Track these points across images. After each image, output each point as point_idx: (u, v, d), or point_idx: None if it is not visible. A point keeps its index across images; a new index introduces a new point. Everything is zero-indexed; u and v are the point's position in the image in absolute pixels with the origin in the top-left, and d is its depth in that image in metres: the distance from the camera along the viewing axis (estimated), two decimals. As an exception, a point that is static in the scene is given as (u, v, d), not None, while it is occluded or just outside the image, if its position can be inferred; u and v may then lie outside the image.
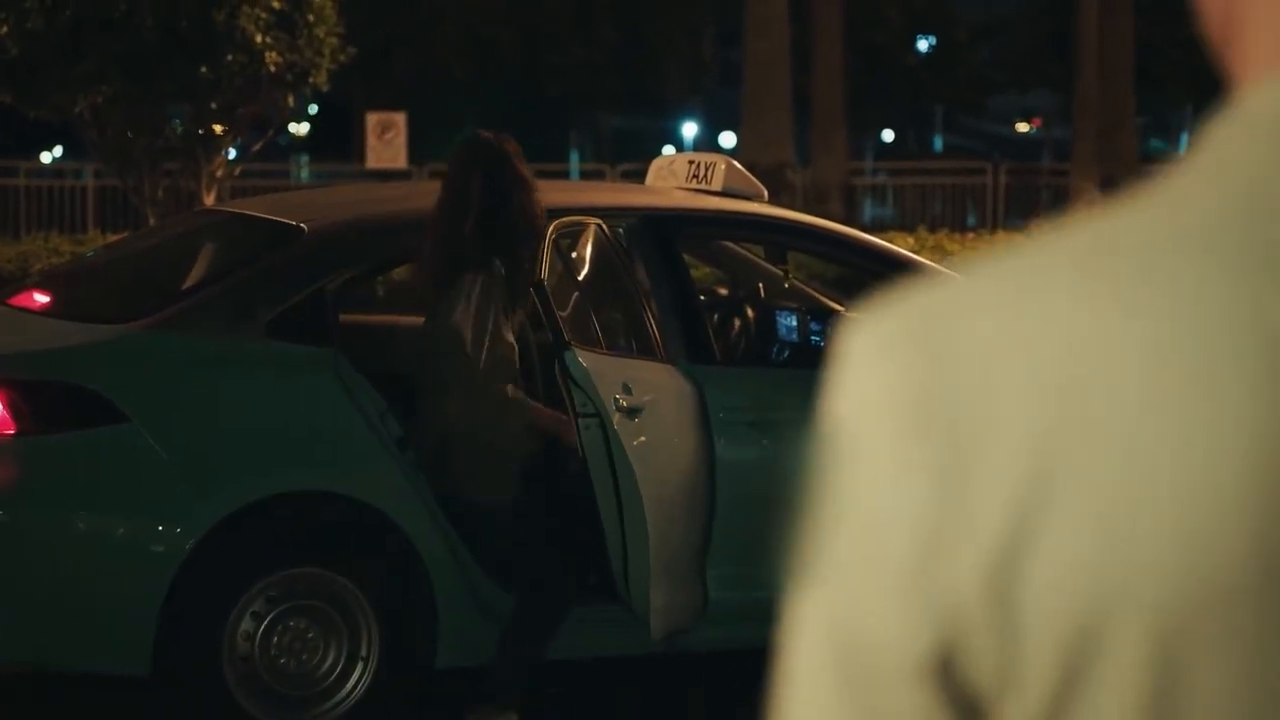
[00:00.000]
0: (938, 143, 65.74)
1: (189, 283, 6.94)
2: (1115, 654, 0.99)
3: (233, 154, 14.25)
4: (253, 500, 6.40)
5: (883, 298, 1.07)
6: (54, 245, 13.16)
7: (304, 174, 38.00)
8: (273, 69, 13.21)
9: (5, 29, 12.84)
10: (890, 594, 1.02)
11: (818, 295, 8.63)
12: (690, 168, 7.96)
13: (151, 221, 13.85)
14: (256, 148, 15.04)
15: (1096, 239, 1.05)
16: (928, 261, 7.34)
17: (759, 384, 7.19)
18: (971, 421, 1.02)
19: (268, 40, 13.10)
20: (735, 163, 7.89)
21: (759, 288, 8.55)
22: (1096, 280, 1.03)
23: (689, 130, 62.60)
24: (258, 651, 6.48)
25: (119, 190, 21.36)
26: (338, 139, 47.76)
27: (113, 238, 14.47)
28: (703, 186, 7.83)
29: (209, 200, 13.74)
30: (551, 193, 7.22)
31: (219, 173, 14.03)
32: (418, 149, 28.02)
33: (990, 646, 1.01)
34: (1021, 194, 30.34)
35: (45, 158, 43.22)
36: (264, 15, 13.09)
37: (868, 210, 31.23)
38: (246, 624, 6.45)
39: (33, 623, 6.30)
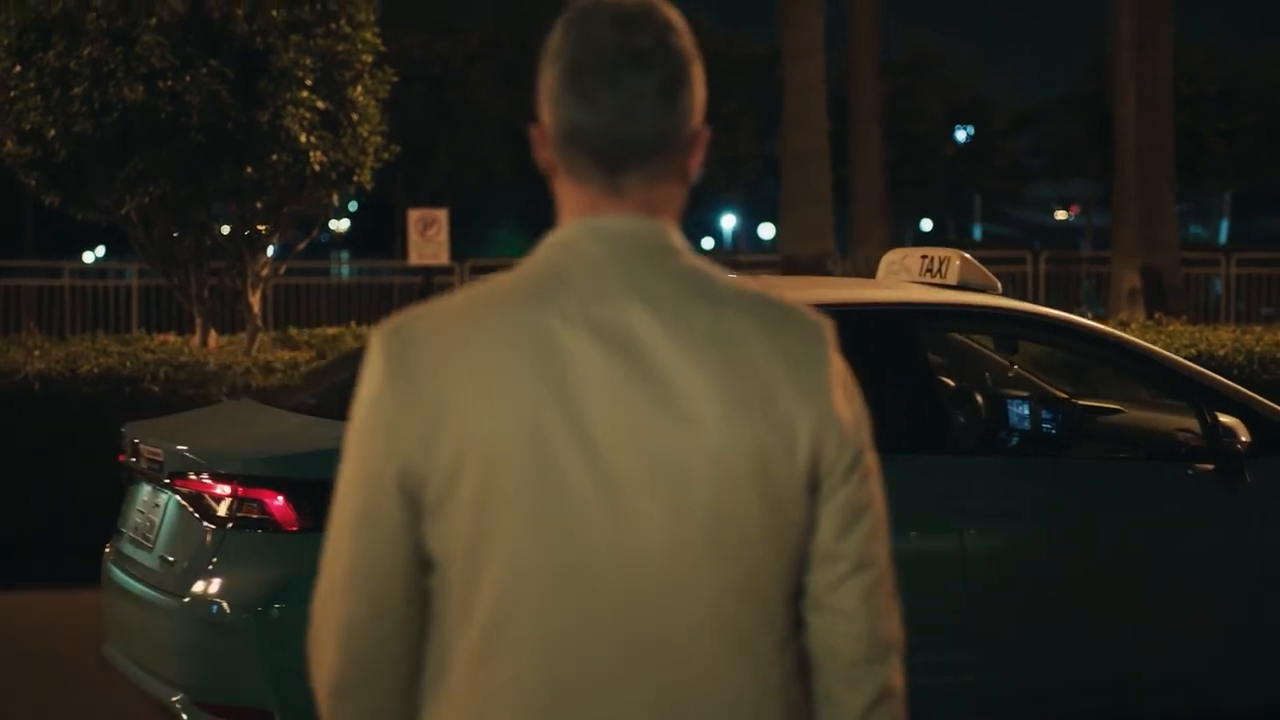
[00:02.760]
0: (976, 231, 65.77)
1: None
2: (467, 470, 2.31)
3: (273, 251, 14.30)
4: None
5: (396, 312, 2.44)
6: (101, 345, 13.18)
7: (344, 270, 38.14)
8: (317, 168, 13.29)
9: (53, 131, 12.95)
10: (380, 449, 2.36)
11: (1043, 383, 8.88)
12: (923, 262, 8.16)
13: (197, 320, 13.92)
14: (301, 246, 15.10)
15: (488, 289, 2.40)
16: (1151, 346, 7.61)
17: (997, 473, 7.34)
18: (418, 376, 2.34)
19: (312, 140, 13.19)
20: (969, 256, 8.06)
21: (986, 376, 8.83)
22: (476, 304, 2.38)
23: (728, 222, 62.74)
24: None
25: (163, 289, 21.48)
26: (378, 235, 47.99)
27: (159, 337, 14.51)
28: (937, 280, 8.03)
29: (254, 299, 13.80)
30: (787, 290, 7.31)
31: (264, 271, 14.10)
32: (459, 245, 28.13)
33: (421, 471, 2.33)
34: (1061, 281, 30.32)
35: (88, 257, 43.51)
36: (308, 115, 13.18)
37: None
38: None
39: (305, 709, 6.46)
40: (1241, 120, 46.34)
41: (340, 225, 52.99)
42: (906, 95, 47.24)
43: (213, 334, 13.99)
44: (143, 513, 7.34)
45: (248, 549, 6.61)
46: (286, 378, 11.87)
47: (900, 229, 48.05)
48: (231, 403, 8.15)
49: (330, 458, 6.76)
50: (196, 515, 6.77)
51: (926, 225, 60.54)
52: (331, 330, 14.91)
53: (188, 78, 12.91)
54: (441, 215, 23.79)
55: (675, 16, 2.47)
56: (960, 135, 52.96)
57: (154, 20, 13.01)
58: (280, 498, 6.53)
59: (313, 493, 6.50)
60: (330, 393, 7.54)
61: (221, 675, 6.61)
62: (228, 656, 6.60)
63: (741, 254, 45.31)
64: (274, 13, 13.29)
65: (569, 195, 2.43)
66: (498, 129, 44.75)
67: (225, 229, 13.97)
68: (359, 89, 13.63)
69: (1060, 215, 78.60)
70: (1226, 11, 61.09)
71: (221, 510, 6.68)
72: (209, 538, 6.69)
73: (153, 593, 6.93)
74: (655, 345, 2.33)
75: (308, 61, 13.23)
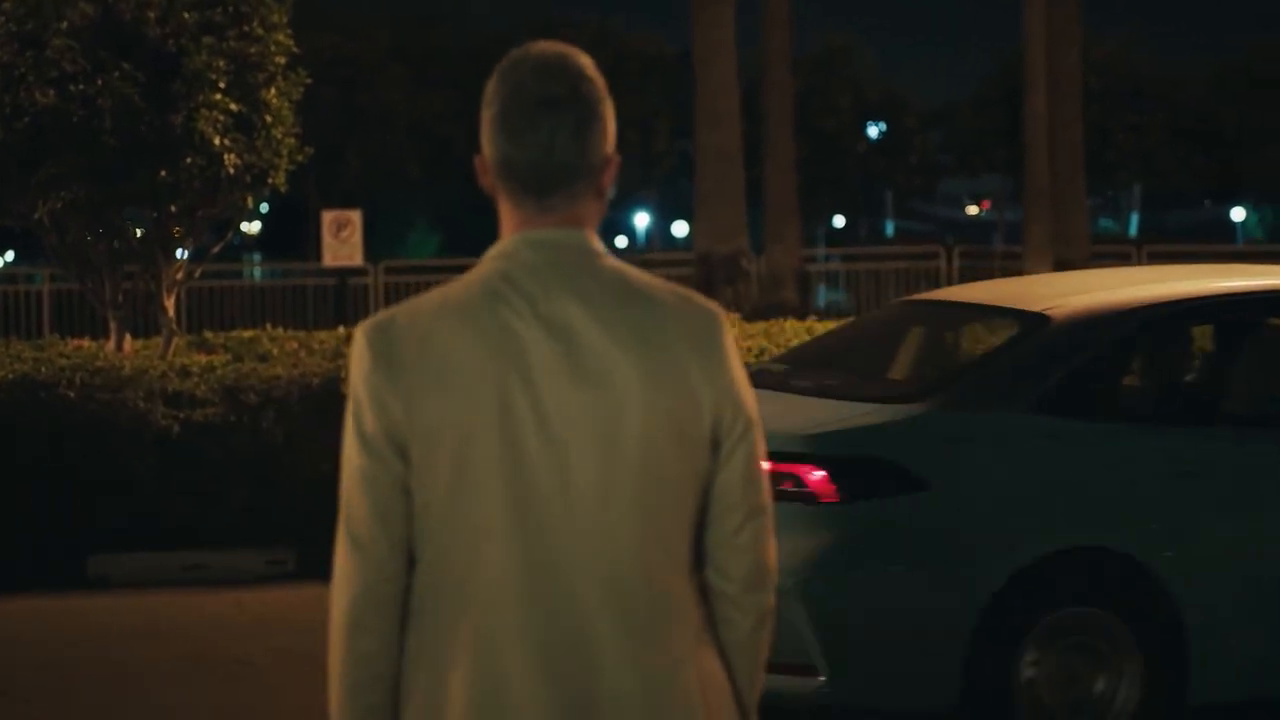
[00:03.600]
0: (889, 227, 66.05)
1: (944, 366, 8.36)
2: (445, 434, 2.94)
3: (183, 254, 14.18)
4: (1039, 556, 7.32)
5: (380, 311, 3.29)
6: (15, 351, 13.09)
7: (256, 273, 37.92)
8: (231, 171, 13.22)
9: (-37, 137, 12.83)
10: (372, 414, 2.97)
11: None
12: None
13: (111, 325, 13.83)
14: (216, 249, 15.01)
15: (448, 290, 3.02)
16: None
17: None
18: (398, 362, 2.96)
19: (226, 142, 13.12)
20: None
21: None
22: (444, 305, 3.00)
23: (641, 220, 62.80)
24: (1039, 682, 7.32)
25: (75, 294, 21.28)
26: (290, 237, 47.76)
27: (74, 343, 14.40)
28: None
29: (169, 303, 13.72)
30: (1193, 279, 8.17)
31: (179, 275, 14.02)
32: (373, 246, 28.05)
33: (406, 435, 2.96)
34: (974, 277, 30.49)
35: (-3, 262, 43.10)
36: (222, 118, 13.11)
37: (821, 295, 31.32)
38: (1030, 658, 7.31)
39: (852, 669, 7.24)
40: (1150, 117, 46.74)
41: (251, 228, 52.66)
42: (818, 92, 47.38)
43: (127, 338, 13.90)
44: None
45: (786, 519, 7.10)
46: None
47: (813, 226, 48.20)
48: None
49: (858, 436, 7.32)
50: None
51: (839, 222, 60.74)
52: (247, 333, 14.83)
53: (100, 81, 12.82)
54: (355, 216, 23.69)
55: (588, 65, 3.06)
56: (872, 131, 53.15)
57: (64, 24, 12.92)
58: (818, 472, 7.22)
59: (848, 467, 7.29)
60: (828, 377, 8.27)
61: None
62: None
63: (656, 252, 45.41)
64: (186, 15, 13.21)
65: (508, 213, 3.06)
66: (409, 130, 44.62)
67: (139, 232, 13.87)
68: (272, 91, 13.57)
69: (972, 210, 79.09)
70: (1135, 9, 61.64)
71: None
72: None
73: None
74: (588, 333, 2.96)
75: (220, 64, 13.15)
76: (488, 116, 3.04)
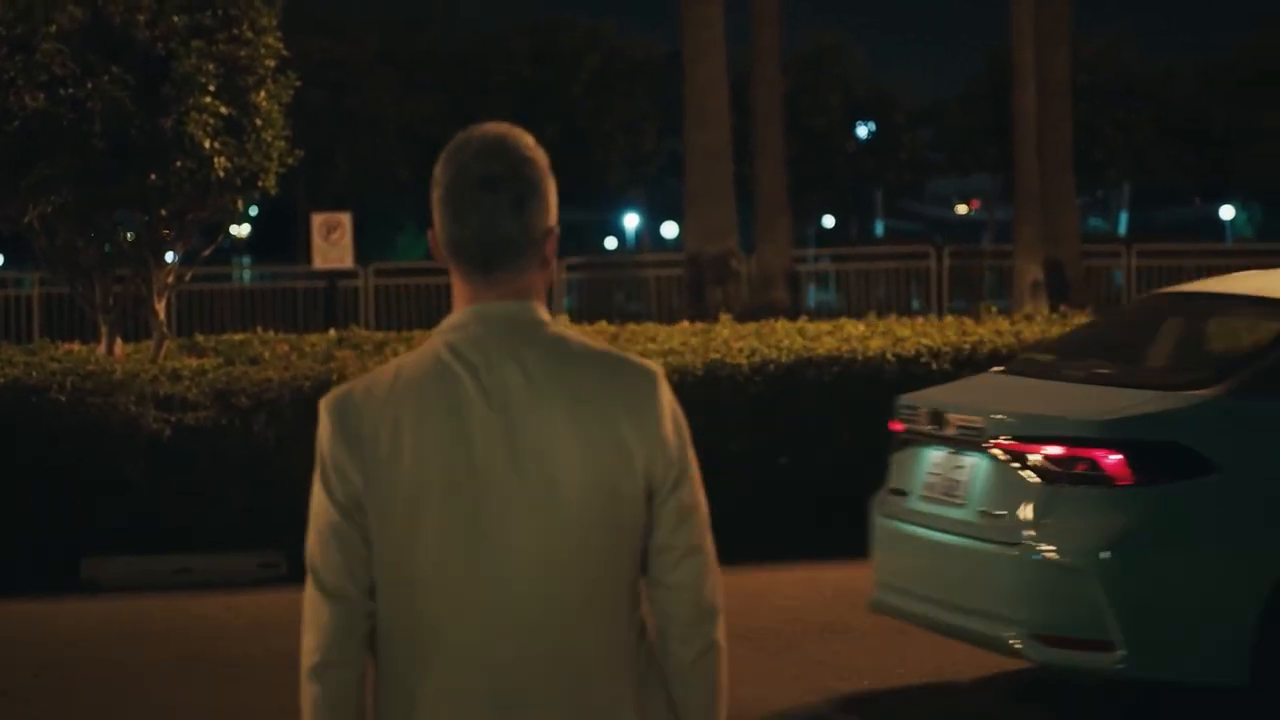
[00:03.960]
0: (879, 227, 66.02)
1: (1223, 355, 8.69)
2: (399, 498, 3.14)
3: (173, 257, 14.18)
4: None
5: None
6: (6, 355, 13.07)
7: (246, 276, 37.88)
8: (222, 174, 13.20)
9: (-47, 141, 12.82)
10: (336, 480, 3.18)
11: None
12: None
13: (102, 329, 13.82)
14: (207, 252, 15.01)
15: (402, 362, 3.23)
16: None
17: None
18: (357, 434, 3.17)
19: (216, 145, 13.11)
20: None
21: None
22: (397, 378, 3.20)
23: (630, 221, 62.77)
24: None
25: (65, 298, 21.24)
26: (280, 240, 47.73)
27: (64, 346, 14.39)
28: None
29: (159, 306, 13.72)
30: None
31: (170, 278, 14.01)
32: (362, 249, 28.02)
33: (364, 499, 3.16)
34: (964, 276, 30.50)
35: (-14, 267, 43.01)
36: (211, 121, 13.11)
37: (811, 295, 31.31)
38: None
39: (1147, 644, 7.51)
40: (1139, 114, 46.78)
41: (241, 231, 52.59)
42: (808, 91, 47.41)
43: (118, 342, 13.89)
44: (938, 473, 8.26)
45: (1082, 501, 7.62)
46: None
47: (803, 226, 48.21)
48: (993, 375, 9.20)
49: (1154, 421, 7.50)
50: (1025, 474, 7.73)
51: (829, 221, 60.72)
52: (238, 336, 14.82)
53: (89, 85, 12.82)
54: (345, 219, 23.65)
55: (529, 144, 3.22)
56: (862, 131, 53.14)
57: (54, 27, 12.92)
58: (1114, 455, 7.50)
59: (1145, 451, 7.53)
60: (1098, 366, 8.54)
61: (1061, 612, 7.62)
62: (1068, 596, 7.58)
63: (647, 254, 45.38)
64: (175, 19, 13.21)
65: (458, 286, 3.24)
66: (398, 133, 44.58)
67: (129, 236, 13.87)
68: (262, 94, 13.56)
69: (961, 209, 79.10)
70: (1123, 6, 61.72)
71: (1054, 468, 7.65)
72: (1041, 493, 7.68)
73: (975, 543, 7.94)
74: (527, 403, 3.15)
75: (210, 67, 13.15)
76: (435, 197, 3.21)
